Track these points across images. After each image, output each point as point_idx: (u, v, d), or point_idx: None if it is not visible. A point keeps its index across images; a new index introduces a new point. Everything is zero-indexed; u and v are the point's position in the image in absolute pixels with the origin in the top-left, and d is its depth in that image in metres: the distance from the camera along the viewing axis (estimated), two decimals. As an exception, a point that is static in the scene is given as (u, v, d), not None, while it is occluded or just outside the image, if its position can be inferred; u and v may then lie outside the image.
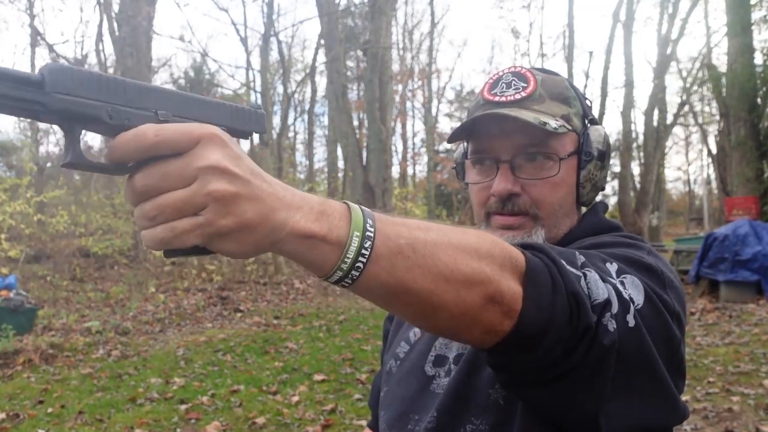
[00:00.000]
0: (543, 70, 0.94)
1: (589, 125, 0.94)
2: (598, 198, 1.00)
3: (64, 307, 8.86)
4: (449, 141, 0.97)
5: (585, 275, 0.65)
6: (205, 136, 0.47)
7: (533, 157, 0.88)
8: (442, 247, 0.57)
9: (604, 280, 0.66)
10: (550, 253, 0.64)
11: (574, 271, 0.64)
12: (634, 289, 0.69)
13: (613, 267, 0.70)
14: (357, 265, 0.52)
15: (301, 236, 0.51)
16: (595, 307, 0.63)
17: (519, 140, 0.87)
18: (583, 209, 1.02)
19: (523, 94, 0.88)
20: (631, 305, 0.67)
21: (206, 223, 0.47)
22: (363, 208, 0.55)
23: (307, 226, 0.51)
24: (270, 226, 0.49)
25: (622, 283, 0.68)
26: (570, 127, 0.89)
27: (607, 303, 0.63)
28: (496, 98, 0.89)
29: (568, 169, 0.90)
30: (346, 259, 0.52)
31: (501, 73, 0.92)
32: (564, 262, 0.64)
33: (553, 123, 0.86)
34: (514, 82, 0.90)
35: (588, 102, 0.96)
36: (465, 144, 0.99)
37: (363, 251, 0.52)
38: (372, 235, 0.53)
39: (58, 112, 0.46)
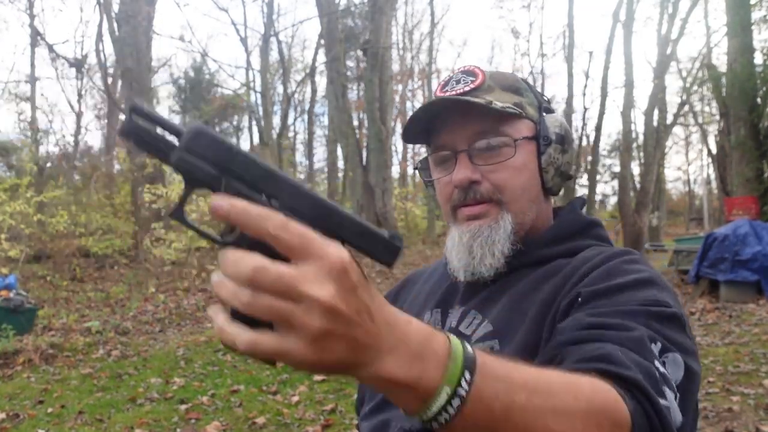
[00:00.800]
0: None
1: (544, 114, 0.95)
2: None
3: (64, 307, 8.86)
4: (404, 139, 0.98)
5: (670, 407, 0.63)
6: (328, 262, 0.43)
7: (489, 144, 0.89)
8: (542, 416, 0.51)
9: (667, 383, 0.65)
10: (651, 398, 0.60)
11: (665, 404, 0.62)
12: (675, 368, 0.68)
13: (657, 348, 0.68)
14: (438, 418, 0.48)
15: (383, 380, 0.47)
16: None
17: (473, 128, 0.89)
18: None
19: (472, 86, 0.90)
20: (676, 396, 0.66)
21: (290, 350, 0.43)
22: (468, 350, 0.49)
23: (394, 372, 0.46)
24: (353, 363, 0.45)
25: (664, 363, 0.67)
26: (519, 111, 0.90)
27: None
28: (446, 94, 0.91)
29: (526, 153, 0.91)
30: (427, 411, 0.48)
31: (451, 74, 0.95)
32: (660, 401, 0.61)
33: (500, 104, 0.88)
34: (463, 78, 0.92)
35: (545, 97, 0.98)
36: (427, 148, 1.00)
37: (448, 407, 0.47)
38: (465, 394, 0.47)
39: (180, 169, 0.48)
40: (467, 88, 0.90)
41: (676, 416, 0.63)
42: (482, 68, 0.92)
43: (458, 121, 0.90)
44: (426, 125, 0.94)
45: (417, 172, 1.05)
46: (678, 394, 0.66)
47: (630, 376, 0.60)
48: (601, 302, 0.74)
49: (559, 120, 0.94)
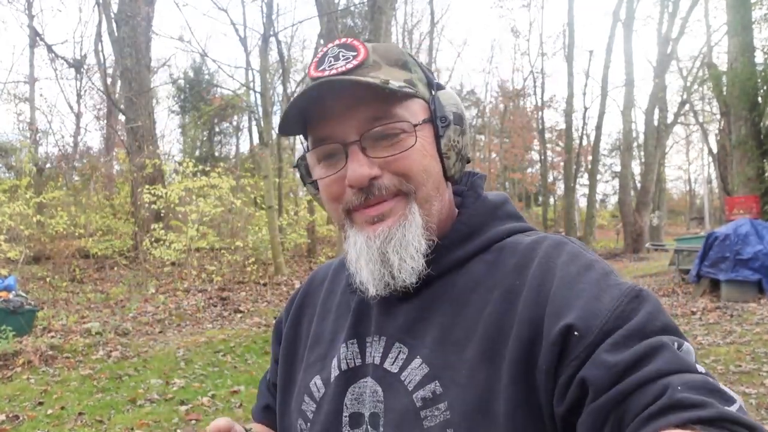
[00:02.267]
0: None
1: (436, 90, 0.82)
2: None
3: (64, 308, 8.84)
4: (280, 132, 0.81)
5: (739, 405, 0.58)
6: None
7: (386, 132, 0.75)
8: None
9: (714, 382, 0.60)
10: (741, 421, 0.54)
11: (736, 407, 0.56)
12: (690, 356, 0.63)
13: (680, 347, 0.63)
14: None
15: None
16: None
17: (363, 114, 0.75)
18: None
19: (355, 62, 0.75)
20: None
21: None
22: None
23: None
24: None
25: (688, 355, 0.63)
26: (414, 89, 0.78)
27: None
28: (325, 73, 0.75)
29: (425, 138, 0.78)
30: None
31: (326, 49, 0.79)
32: (741, 417, 0.54)
33: (396, 83, 0.74)
34: (342, 53, 0.77)
35: (430, 73, 0.85)
36: (304, 142, 0.84)
37: None
38: None
39: None
40: (350, 66, 0.75)
41: (743, 408, 0.58)
42: (362, 41, 0.78)
43: (344, 106, 0.75)
44: (302, 113, 0.78)
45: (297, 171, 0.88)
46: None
47: (712, 414, 0.54)
48: (601, 331, 0.64)
49: (454, 97, 0.82)
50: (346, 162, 0.75)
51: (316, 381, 0.85)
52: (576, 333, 0.64)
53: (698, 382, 0.57)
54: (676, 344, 0.62)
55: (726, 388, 0.58)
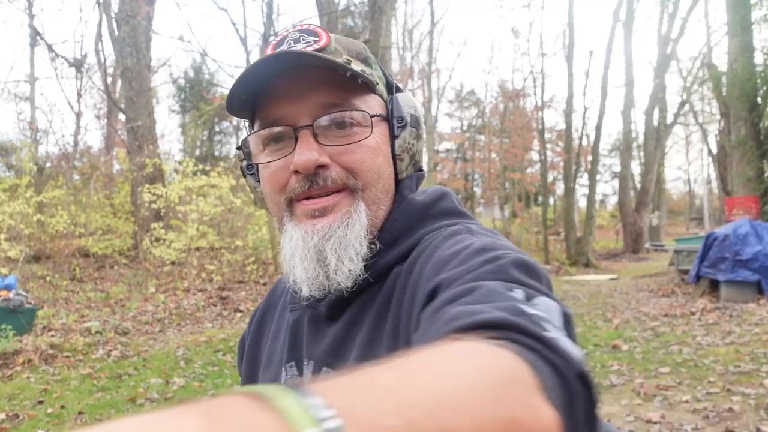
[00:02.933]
0: None
1: (395, 92, 0.80)
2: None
3: (64, 307, 8.85)
4: (228, 109, 0.74)
5: (558, 339, 0.45)
6: None
7: (341, 120, 0.71)
8: (451, 407, 0.32)
9: (544, 321, 0.48)
10: (532, 332, 0.44)
11: (551, 335, 0.45)
12: (549, 312, 0.52)
13: (519, 294, 0.53)
14: None
15: None
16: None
17: (319, 98, 0.70)
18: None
19: (316, 47, 0.71)
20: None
21: None
22: (299, 390, 0.29)
23: None
24: None
25: (533, 307, 0.51)
26: (376, 82, 0.75)
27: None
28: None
29: (380, 135, 0.74)
30: None
31: (286, 33, 0.75)
32: (544, 333, 0.44)
33: (357, 67, 0.71)
34: (303, 37, 0.73)
35: (390, 77, 0.83)
36: (247, 125, 0.79)
37: None
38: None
39: None
40: (310, 49, 0.71)
41: (574, 350, 0.45)
42: (324, 28, 0.75)
43: (300, 87, 0.70)
44: (252, 94, 0.72)
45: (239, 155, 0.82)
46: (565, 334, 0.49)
47: (497, 317, 0.45)
48: (444, 293, 0.57)
49: (413, 101, 0.79)
50: (295, 148, 0.70)
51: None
52: (431, 293, 0.59)
53: (506, 305, 0.48)
54: (519, 291, 0.52)
55: (550, 326, 0.47)
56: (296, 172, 0.70)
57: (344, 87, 0.71)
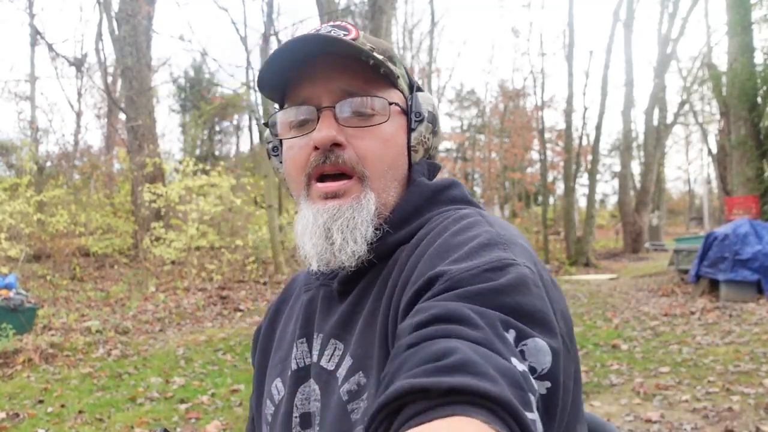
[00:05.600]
0: None
1: (416, 90, 0.85)
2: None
3: (64, 307, 8.86)
4: (260, 90, 0.80)
5: (536, 422, 0.47)
6: None
7: (360, 105, 0.76)
8: None
9: (529, 386, 0.49)
10: (521, 420, 0.45)
11: (531, 418, 0.47)
12: (538, 355, 0.55)
13: (512, 335, 0.54)
14: None
15: None
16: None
17: (342, 83, 0.76)
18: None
19: (347, 38, 0.76)
20: (535, 394, 0.51)
21: None
22: None
23: None
24: None
25: (522, 353, 0.54)
26: (398, 75, 0.80)
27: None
28: None
29: (397, 126, 0.79)
30: None
31: (319, 27, 0.80)
32: (528, 420, 0.46)
33: (380, 56, 0.76)
34: (334, 30, 0.78)
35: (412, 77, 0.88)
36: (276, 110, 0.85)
37: None
38: None
39: None
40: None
41: (539, 429, 0.48)
42: (355, 25, 0.80)
43: (325, 72, 0.76)
44: (284, 76, 0.78)
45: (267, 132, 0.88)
46: (547, 389, 0.54)
47: (498, 394, 0.45)
48: (437, 288, 0.59)
49: (432, 99, 0.84)
50: (317, 125, 0.76)
51: (277, 384, 0.85)
52: (431, 280, 0.61)
53: (500, 364, 0.48)
54: (511, 331, 0.54)
55: (532, 397, 0.49)
56: (315, 148, 0.76)
57: (368, 78, 0.77)
